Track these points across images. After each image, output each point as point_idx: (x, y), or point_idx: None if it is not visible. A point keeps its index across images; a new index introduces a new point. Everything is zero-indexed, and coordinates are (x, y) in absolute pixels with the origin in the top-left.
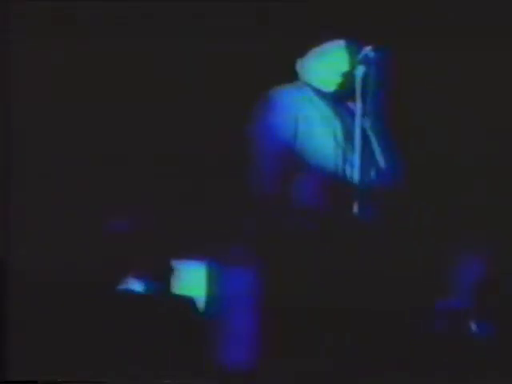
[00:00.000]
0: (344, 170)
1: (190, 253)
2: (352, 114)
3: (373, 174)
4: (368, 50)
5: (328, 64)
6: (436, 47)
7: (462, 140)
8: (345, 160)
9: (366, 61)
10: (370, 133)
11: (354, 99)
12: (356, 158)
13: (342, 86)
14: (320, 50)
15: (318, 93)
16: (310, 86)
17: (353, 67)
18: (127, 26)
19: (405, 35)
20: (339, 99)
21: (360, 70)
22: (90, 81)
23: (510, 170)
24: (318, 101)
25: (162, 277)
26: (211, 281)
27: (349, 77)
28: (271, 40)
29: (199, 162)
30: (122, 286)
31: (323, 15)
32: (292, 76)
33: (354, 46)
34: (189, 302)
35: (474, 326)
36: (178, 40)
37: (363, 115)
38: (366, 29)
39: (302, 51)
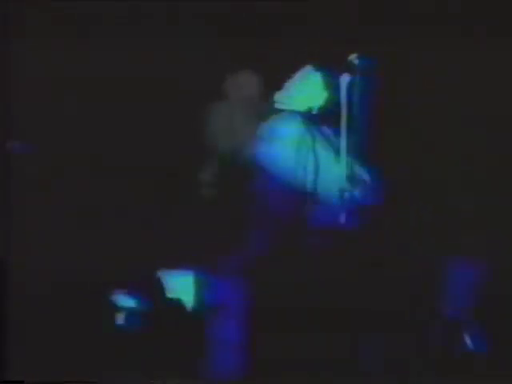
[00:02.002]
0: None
1: (181, 261)
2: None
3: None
4: (353, 57)
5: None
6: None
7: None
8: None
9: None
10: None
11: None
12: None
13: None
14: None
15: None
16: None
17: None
18: (127, 26)
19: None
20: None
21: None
22: (89, 81)
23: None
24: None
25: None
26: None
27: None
28: None
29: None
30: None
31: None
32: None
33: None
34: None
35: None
36: (177, 40)
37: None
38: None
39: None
